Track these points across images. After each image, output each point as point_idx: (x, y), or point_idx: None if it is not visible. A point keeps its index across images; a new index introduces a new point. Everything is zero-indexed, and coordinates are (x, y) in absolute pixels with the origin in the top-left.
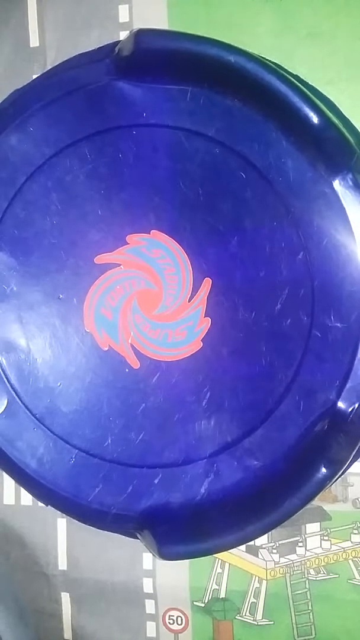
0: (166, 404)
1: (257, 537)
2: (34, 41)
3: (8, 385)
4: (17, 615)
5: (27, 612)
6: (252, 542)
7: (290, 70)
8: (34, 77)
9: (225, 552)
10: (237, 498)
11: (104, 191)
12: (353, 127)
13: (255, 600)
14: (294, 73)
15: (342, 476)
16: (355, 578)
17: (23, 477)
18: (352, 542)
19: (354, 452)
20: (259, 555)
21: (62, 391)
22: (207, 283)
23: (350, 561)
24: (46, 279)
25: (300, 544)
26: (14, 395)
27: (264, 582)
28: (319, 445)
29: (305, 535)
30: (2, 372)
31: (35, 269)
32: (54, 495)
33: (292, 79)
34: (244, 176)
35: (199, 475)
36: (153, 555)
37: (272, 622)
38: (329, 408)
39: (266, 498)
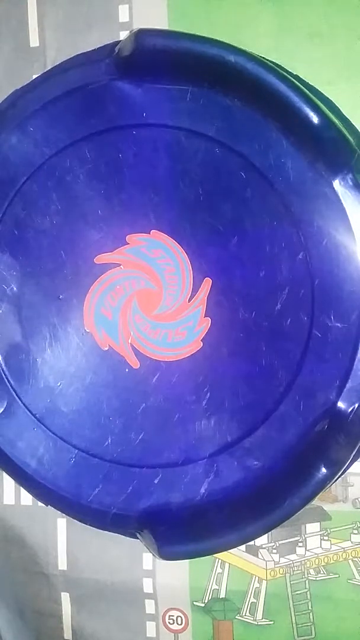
0: (166, 404)
1: (257, 537)
2: (34, 41)
3: (8, 385)
4: (17, 613)
5: (27, 611)
6: (252, 542)
7: (290, 70)
8: (34, 77)
9: (225, 552)
10: (237, 498)
11: (104, 191)
12: (353, 127)
13: (255, 600)
14: (294, 73)
15: (342, 476)
16: (355, 578)
17: (23, 477)
18: (352, 542)
19: (354, 452)
20: (259, 555)
21: (62, 391)
22: (207, 283)
23: (350, 561)
24: (46, 279)
25: (300, 544)
26: (14, 395)
27: (264, 582)
28: (319, 445)
29: (305, 535)
30: (2, 372)
31: (35, 269)
32: (54, 495)
33: (292, 79)
34: (244, 176)
35: (199, 475)
36: (153, 555)
37: (272, 622)
38: (329, 408)
39: (266, 498)
